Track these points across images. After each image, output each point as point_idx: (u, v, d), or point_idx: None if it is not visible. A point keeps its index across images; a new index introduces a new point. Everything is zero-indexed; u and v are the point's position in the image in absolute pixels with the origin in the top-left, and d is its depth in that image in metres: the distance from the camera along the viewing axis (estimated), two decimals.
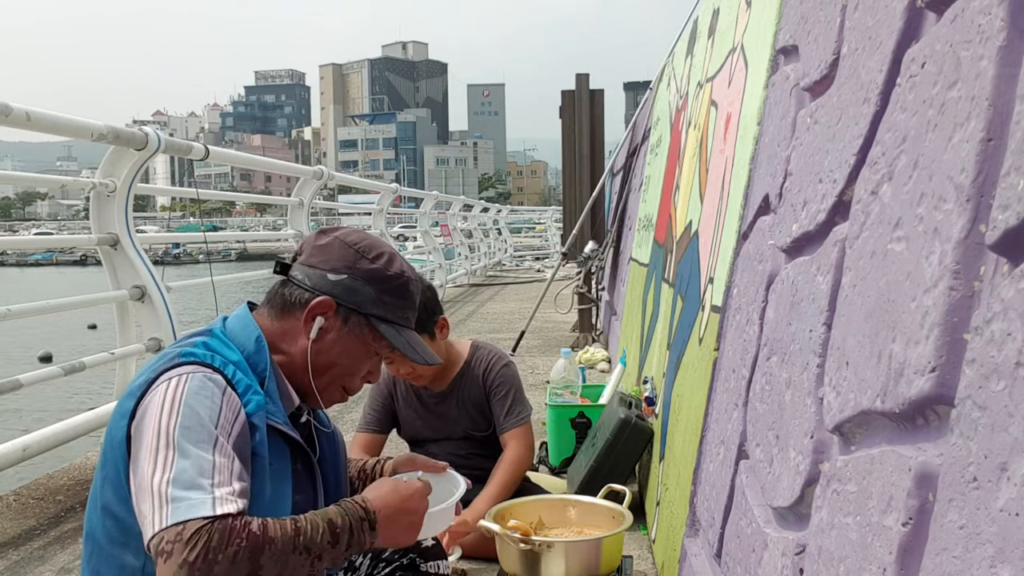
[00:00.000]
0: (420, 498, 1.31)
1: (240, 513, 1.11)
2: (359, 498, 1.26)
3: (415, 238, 16.46)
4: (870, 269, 1.03)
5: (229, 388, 1.23)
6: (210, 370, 1.23)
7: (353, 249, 1.38)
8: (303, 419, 1.40)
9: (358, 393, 1.52)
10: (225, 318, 1.40)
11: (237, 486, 1.13)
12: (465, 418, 2.56)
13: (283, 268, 1.40)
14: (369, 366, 1.43)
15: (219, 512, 1.08)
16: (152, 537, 1.08)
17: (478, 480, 2.39)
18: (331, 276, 1.36)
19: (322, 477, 1.40)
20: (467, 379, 2.56)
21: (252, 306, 1.42)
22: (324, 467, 1.42)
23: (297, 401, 1.39)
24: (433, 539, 1.67)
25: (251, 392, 1.26)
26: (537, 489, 2.58)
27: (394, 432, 2.69)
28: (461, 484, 1.52)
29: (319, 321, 1.35)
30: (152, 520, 1.09)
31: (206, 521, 1.07)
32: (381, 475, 1.57)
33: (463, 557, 2.30)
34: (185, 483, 1.10)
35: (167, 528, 1.07)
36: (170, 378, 1.20)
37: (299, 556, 1.13)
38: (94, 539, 1.25)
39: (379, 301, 1.38)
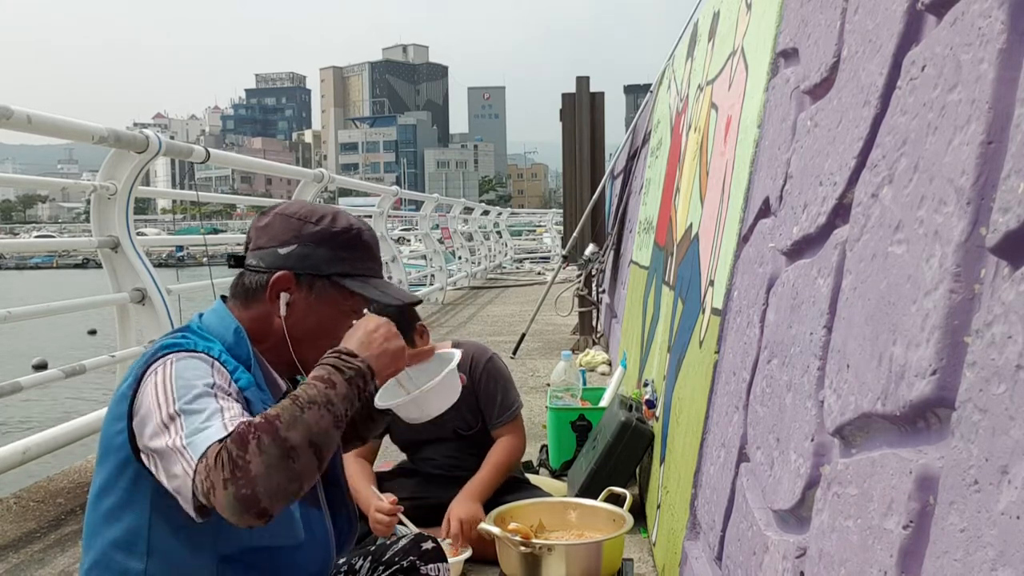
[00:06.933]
0: (387, 328, 1.32)
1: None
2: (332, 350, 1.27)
3: (409, 241, 16.41)
4: (870, 272, 1.03)
5: (217, 363, 1.25)
6: (195, 353, 1.25)
7: (295, 218, 1.38)
8: None
9: None
10: (201, 315, 1.41)
11: (244, 418, 1.15)
12: (454, 417, 2.56)
13: (238, 261, 1.41)
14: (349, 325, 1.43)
15: (230, 430, 1.10)
16: (192, 488, 1.09)
17: None
18: (281, 250, 1.36)
19: None
20: None
21: (225, 299, 1.43)
22: None
23: (284, 387, 1.40)
24: (433, 542, 1.67)
25: (239, 371, 1.28)
26: (538, 491, 2.58)
27: (386, 439, 2.69)
28: (455, 354, 1.55)
29: (284, 296, 1.35)
30: (184, 470, 1.10)
31: (221, 442, 1.08)
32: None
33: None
34: (195, 429, 1.12)
35: (195, 468, 1.08)
36: (155, 369, 1.22)
37: (312, 412, 1.13)
38: (94, 543, 1.25)
39: (335, 259, 1.38)
